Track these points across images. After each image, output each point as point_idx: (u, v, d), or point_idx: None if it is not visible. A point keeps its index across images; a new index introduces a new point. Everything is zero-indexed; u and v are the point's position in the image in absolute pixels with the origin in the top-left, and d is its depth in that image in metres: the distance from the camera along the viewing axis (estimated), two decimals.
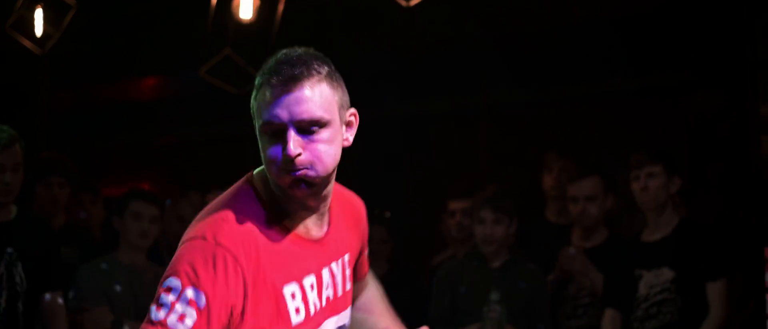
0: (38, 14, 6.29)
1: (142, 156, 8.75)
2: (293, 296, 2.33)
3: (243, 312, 2.23)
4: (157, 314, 2.18)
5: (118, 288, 5.10)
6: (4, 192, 4.52)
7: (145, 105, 8.85)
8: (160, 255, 5.45)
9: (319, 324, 2.42)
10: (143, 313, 5.02)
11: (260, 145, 2.31)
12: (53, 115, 8.16)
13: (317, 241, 2.43)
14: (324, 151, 2.29)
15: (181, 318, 2.16)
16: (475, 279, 5.09)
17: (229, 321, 2.21)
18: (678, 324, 4.75)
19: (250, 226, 2.28)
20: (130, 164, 8.80)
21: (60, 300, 4.75)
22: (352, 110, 2.42)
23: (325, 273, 2.44)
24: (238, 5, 5.78)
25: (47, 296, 4.68)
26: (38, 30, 6.35)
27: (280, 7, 6.24)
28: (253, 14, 5.81)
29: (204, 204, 5.92)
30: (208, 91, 6.73)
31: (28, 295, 4.55)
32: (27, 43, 6.36)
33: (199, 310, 2.16)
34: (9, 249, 4.51)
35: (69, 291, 5.02)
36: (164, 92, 8.85)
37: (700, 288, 4.75)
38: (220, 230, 2.25)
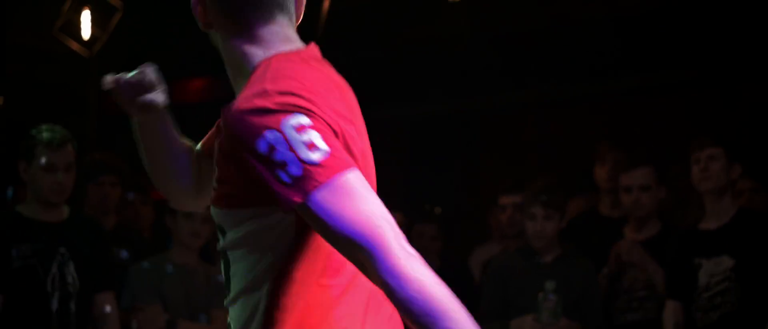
0: (85, 16, 6.33)
1: None
2: None
3: None
4: None
5: (170, 287, 5.11)
6: (57, 192, 4.55)
7: (192, 107, 8.86)
8: (212, 255, 5.45)
9: None
10: (196, 312, 5.06)
11: None
12: (103, 117, 8.19)
13: None
14: None
15: None
16: (527, 274, 5.05)
17: None
18: (739, 313, 4.69)
19: None
20: None
21: (112, 301, 4.78)
22: None
23: None
24: None
25: (99, 296, 4.70)
26: (85, 32, 6.39)
27: (326, 4, 6.23)
28: None
29: None
30: None
31: (80, 295, 4.58)
32: (75, 46, 6.40)
33: None
34: (61, 249, 4.54)
35: (122, 291, 5.05)
36: (211, 94, 8.86)
37: (760, 276, 4.68)
38: None
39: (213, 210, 2.19)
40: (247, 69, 2.12)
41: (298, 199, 1.94)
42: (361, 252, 1.93)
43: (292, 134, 1.94)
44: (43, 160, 4.50)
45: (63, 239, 4.56)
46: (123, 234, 5.49)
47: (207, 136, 2.47)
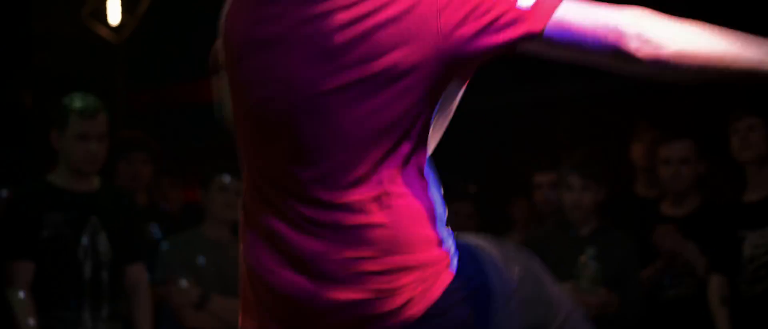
0: (113, 2, 6.29)
1: (219, 157, 8.72)
2: None
3: None
4: None
5: (202, 261, 5.06)
6: (90, 161, 4.50)
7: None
8: None
9: None
10: (228, 287, 5.01)
11: None
12: (131, 115, 8.17)
13: None
14: None
15: None
16: (564, 246, 4.94)
17: None
18: None
19: None
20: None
21: (144, 273, 4.73)
22: None
23: None
24: None
25: (131, 268, 4.65)
26: (114, 18, 6.35)
27: None
28: None
29: None
30: None
31: (112, 265, 4.52)
32: (104, 32, 6.36)
33: None
34: (93, 219, 4.49)
35: (154, 266, 4.99)
36: None
37: None
38: None
39: None
40: None
41: None
42: None
43: None
44: (76, 129, 4.45)
45: (94, 208, 4.52)
46: (154, 212, 5.45)
47: None
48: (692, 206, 5.12)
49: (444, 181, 2.19)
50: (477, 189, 6.06)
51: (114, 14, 6.34)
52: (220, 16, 2.16)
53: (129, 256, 4.62)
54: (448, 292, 2.11)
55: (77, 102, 4.51)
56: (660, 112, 7.09)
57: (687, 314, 4.96)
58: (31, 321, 4.35)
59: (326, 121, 2.04)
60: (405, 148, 2.07)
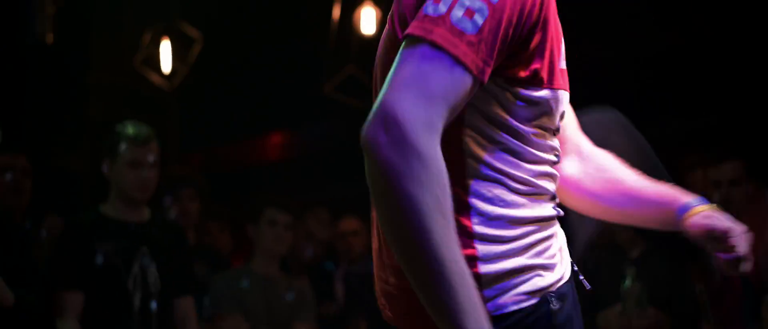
0: (165, 49, 6.37)
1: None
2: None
3: (534, 29, 1.81)
4: (436, 7, 1.74)
5: (251, 297, 5.06)
6: (141, 187, 4.50)
7: (272, 165, 8.87)
8: (290, 268, 5.42)
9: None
10: (277, 323, 4.99)
11: None
12: (183, 155, 8.22)
13: None
14: None
15: (469, 13, 1.73)
16: (614, 270, 4.91)
17: (517, 34, 1.78)
18: None
19: None
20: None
21: (192, 306, 4.72)
22: None
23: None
24: (360, 20, 5.78)
25: (180, 300, 4.65)
26: (166, 66, 6.43)
27: None
28: (376, 28, 5.80)
29: (331, 220, 5.89)
30: (335, 149, 6.65)
31: (161, 296, 4.51)
32: (156, 79, 6.44)
33: (491, 6, 1.74)
34: (143, 249, 4.49)
35: (203, 300, 5.00)
36: (292, 152, 8.87)
37: None
38: None
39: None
40: None
41: None
42: None
43: None
44: (128, 156, 4.48)
45: (145, 239, 4.50)
46: (203, 251, 5.46)
47: None
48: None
49: None
50: None
51: (166, 62, 6.43)
52: None
53: (178, 288, 4.61)
54: None
55: (129, 129, 4.54)
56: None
57: None
58: None
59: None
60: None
